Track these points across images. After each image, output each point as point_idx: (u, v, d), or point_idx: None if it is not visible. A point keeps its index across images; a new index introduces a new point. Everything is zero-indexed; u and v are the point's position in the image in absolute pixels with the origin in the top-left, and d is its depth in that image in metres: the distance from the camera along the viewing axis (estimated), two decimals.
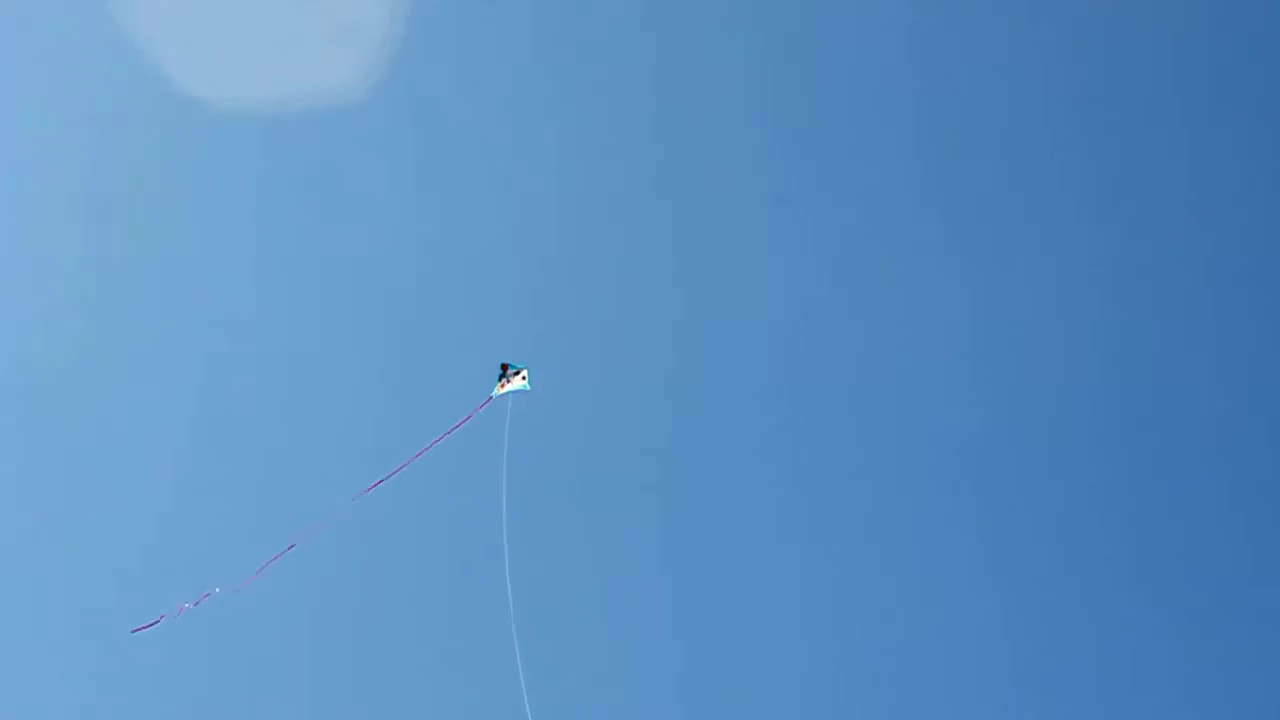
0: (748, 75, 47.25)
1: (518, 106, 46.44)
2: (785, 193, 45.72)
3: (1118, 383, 45.03)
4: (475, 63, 46.83)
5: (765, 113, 47.06)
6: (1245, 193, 45.78)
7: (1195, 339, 45.44)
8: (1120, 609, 42.96)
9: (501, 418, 36.86)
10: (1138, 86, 46.77)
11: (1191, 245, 46.15)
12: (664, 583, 43.66)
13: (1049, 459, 44.42)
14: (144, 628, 35.57)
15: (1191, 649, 42.41)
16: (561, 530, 43.35)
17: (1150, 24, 46.36)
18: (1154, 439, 44.43)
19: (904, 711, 42.30)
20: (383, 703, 41.58)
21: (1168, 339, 45.46)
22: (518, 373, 36.70)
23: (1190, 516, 43.69)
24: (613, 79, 46.83)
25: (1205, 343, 45.34)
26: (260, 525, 40.81)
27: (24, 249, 44.97)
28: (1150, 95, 46.63)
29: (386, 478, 36.56)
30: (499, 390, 36.66)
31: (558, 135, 46.48)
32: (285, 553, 36.61)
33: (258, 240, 45.79)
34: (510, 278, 45.63)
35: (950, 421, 44.64)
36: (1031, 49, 46.82)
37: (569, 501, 44.04)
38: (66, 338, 44.37)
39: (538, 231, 45.93)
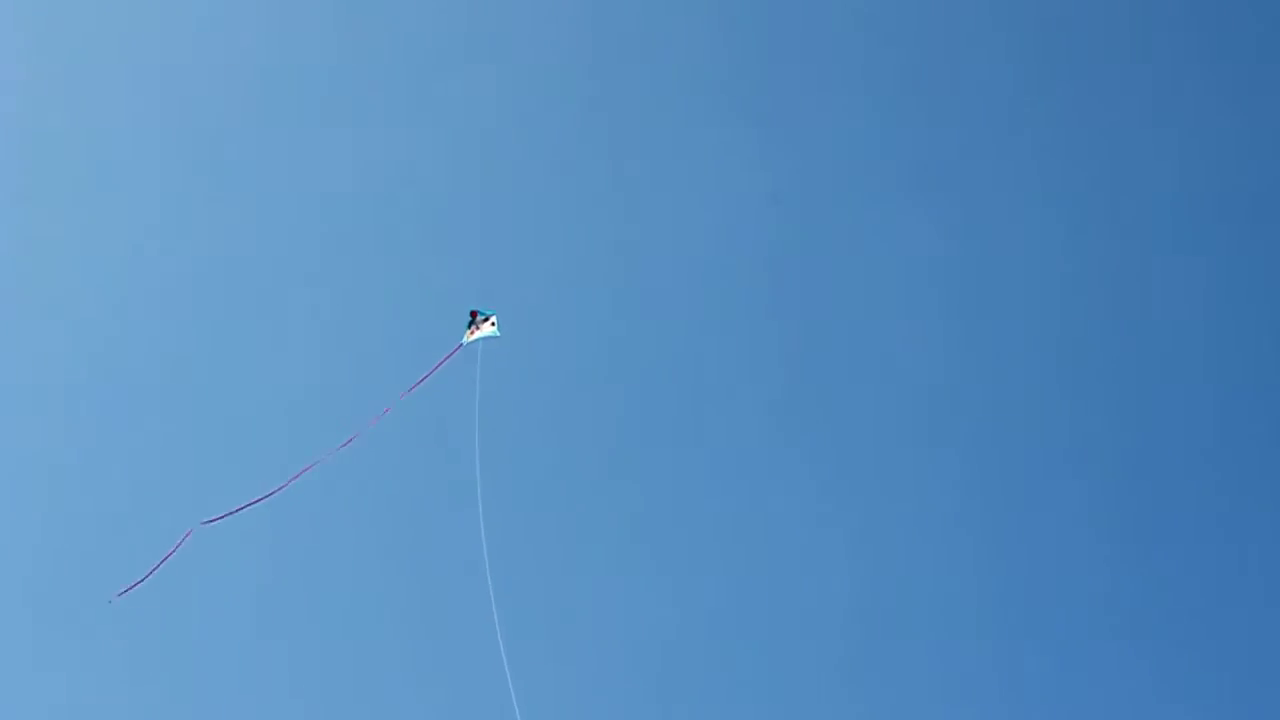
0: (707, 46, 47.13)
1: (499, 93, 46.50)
2: (782, 190, 45.56)
3: (1095, 340, 44.32)
4: (472, 57, 46.98)
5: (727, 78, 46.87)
6: (1216, 144, 45.35)
7: (1171, 293, 44.83)
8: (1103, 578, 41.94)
9: (472, 366, 36.41)
10: (1111, 49, 46.60)
11: (1168, 202, 45.61)
12: (645, 535, 42.87)
13: (1023, 413, 43.60)
14: (128, 589, 34.99)
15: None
16: (538, 481, 42.85)
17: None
18: (1128, 396, 43.61)
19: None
20: (352, 667, 40.73)
21: (1146, 294, 44.83)
22: (487, 319, 36.31)
23: (1166, 472, 42.82)
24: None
25: (1182, 294, 44.72)
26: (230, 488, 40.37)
27: None
28: (1122, 57, 46.49)
29: (355, 436, 36.02)
30: (468, 338, 36.24)
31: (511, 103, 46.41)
32: (251, 505, 35.90)
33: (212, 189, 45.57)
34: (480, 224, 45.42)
35: (923, 382, 43.91)
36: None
37: (545, 451, 43.55)
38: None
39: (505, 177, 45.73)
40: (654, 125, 46.32)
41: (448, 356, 36.14)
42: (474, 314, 36.24)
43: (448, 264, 44.34)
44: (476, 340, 36.21)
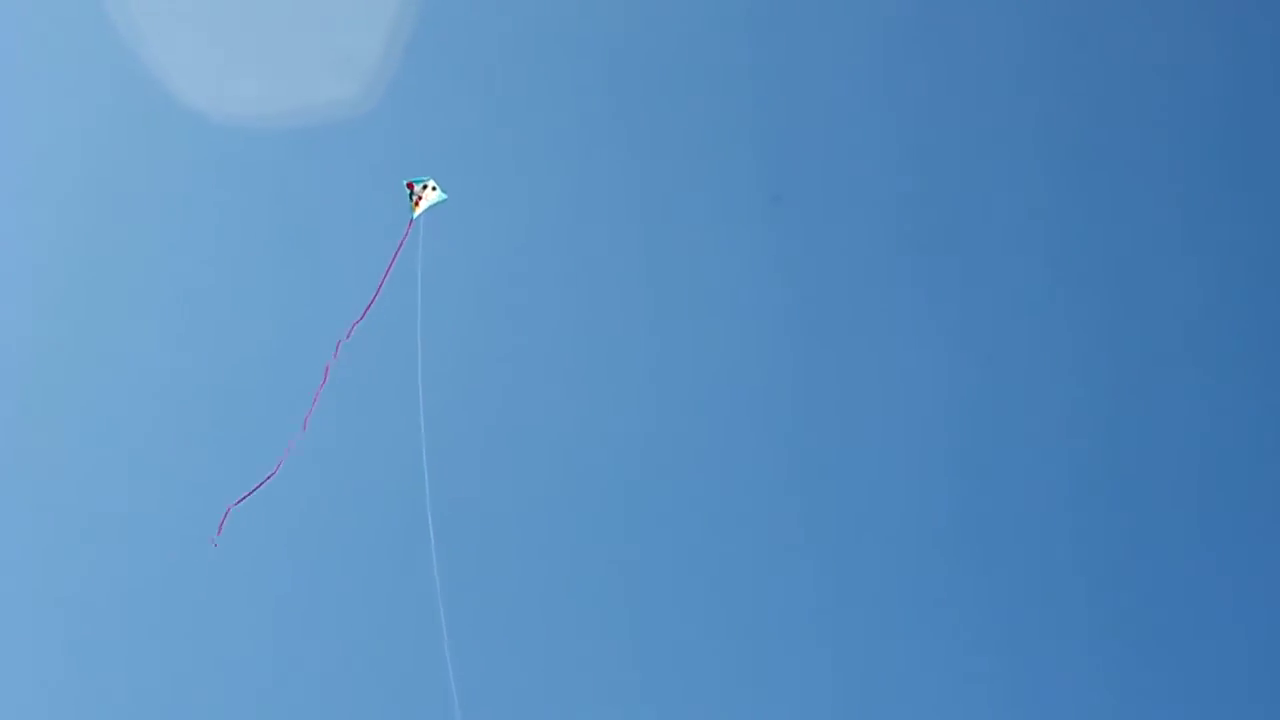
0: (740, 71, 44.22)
1: (512, 110, 43.50)
2: (784, 192, 43.18)
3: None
4: (469, 66, 43.75)
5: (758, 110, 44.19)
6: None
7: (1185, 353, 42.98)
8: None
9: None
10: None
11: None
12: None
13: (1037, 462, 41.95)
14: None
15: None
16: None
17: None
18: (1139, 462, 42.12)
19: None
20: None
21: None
22: (425, 185, 33.89)
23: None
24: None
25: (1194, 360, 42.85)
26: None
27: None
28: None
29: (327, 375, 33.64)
30: (416, 211, 33.82)
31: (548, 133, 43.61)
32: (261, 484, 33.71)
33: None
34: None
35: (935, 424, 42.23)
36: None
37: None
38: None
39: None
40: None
41: (404, 237, 33.76)
42: (410, 185, 33.78)
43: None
44: (424, 211, 33.87)
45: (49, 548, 40.50)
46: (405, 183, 33.75)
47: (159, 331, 41.36)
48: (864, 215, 42.95)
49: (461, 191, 39.54)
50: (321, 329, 35.90)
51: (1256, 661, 40.38)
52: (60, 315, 40.97)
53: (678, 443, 41.32)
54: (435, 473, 33.90)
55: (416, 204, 33.65)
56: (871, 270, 43.09)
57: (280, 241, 42.93)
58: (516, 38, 42.92)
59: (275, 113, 43.18)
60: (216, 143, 42.63)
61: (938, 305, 42.89)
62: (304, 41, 43.08)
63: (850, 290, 42.83)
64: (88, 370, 41.09)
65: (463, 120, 43.07)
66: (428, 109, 42.99)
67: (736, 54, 43.56)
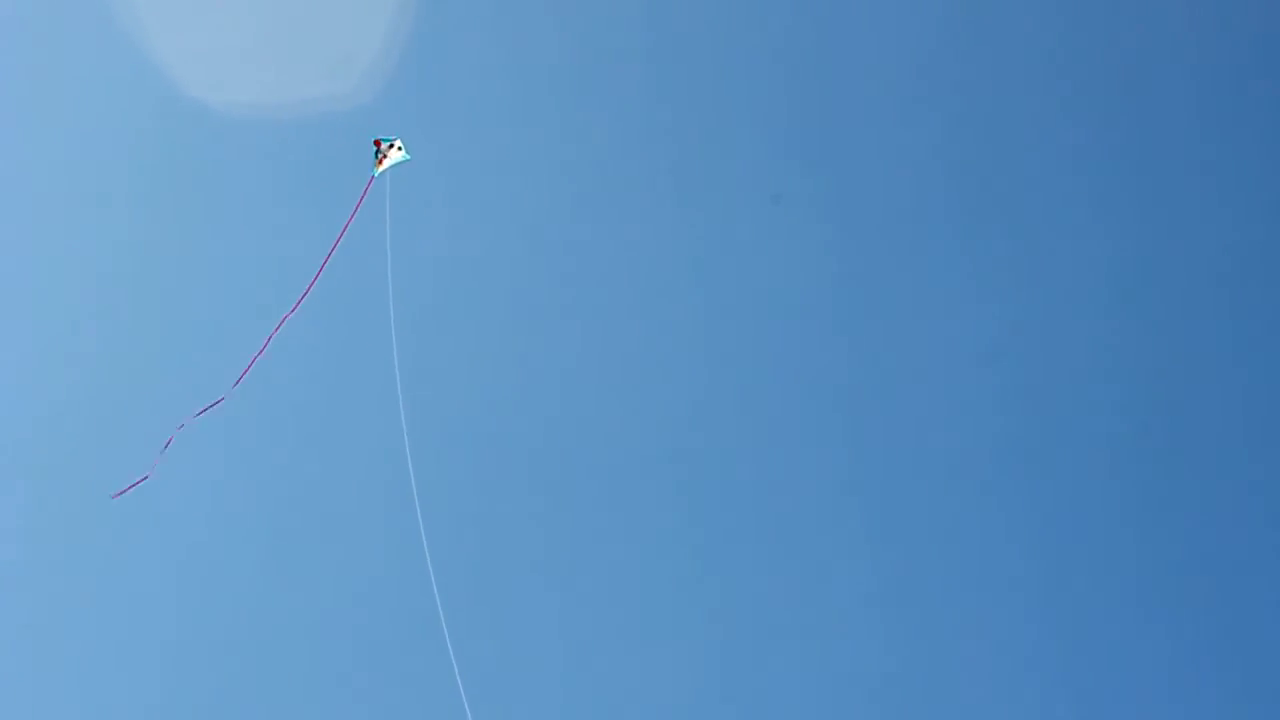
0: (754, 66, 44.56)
1: (520, 107, 43.52)
2: (786, 191, 43.37)
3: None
4: (475, 63, 43.83)
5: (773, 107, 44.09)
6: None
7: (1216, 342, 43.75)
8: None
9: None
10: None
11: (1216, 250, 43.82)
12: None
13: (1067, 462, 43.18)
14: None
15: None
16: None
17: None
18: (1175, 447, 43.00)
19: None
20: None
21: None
22: (392, 144, 34.69)
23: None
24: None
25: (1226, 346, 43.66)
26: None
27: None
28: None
29: (295, 307, 34.79)
30: (379, 169, 34.69)
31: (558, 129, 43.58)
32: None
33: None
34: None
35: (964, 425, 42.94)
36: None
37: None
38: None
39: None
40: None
41: (364, 193, 34.71)
42: (378, 143, 34.59)
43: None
44: (387, 169, 34.72)
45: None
46: (373, 140, 34.51)
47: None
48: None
49: (467, 188, 40.74)
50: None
51: None
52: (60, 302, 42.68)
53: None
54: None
55: (380, 162, 34.48)
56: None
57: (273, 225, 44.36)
58: (513, 35, 43.37)
59: (274, 104, 43.95)
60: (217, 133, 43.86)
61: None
62: (304, 36, 43.59)
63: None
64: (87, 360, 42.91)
65: (463, 115, 43.83)
66: (425, 104, 43.83)
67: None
